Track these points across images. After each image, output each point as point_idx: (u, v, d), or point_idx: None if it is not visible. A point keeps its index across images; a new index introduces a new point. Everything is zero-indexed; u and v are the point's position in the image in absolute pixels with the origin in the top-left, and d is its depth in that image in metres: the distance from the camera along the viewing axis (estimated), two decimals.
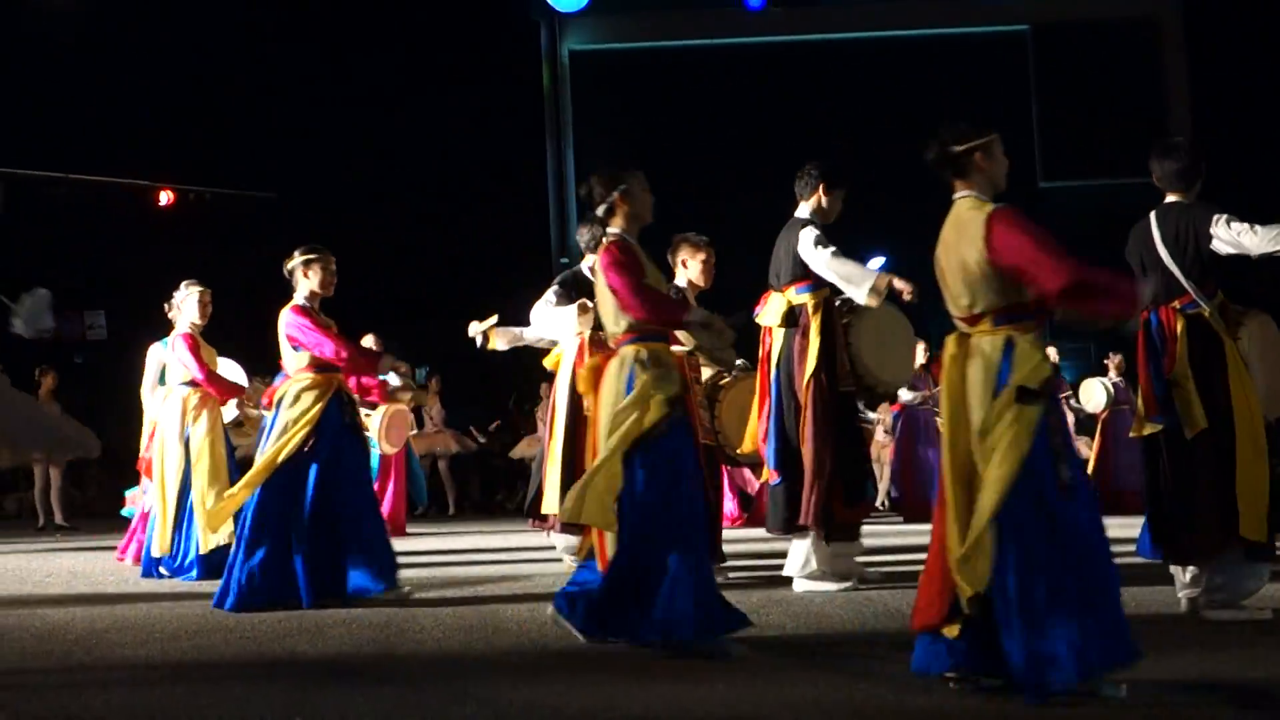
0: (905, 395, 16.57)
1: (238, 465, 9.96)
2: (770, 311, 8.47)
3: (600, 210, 6.89)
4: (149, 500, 10.37)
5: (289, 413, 8.52)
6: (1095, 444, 18.91)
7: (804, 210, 8.80)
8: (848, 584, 8.31)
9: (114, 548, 13.12)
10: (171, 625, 7.44)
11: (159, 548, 9.79)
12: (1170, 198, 7.55)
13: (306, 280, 9.08)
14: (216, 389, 9.51)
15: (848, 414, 8.51)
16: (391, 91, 42.99)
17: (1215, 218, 7.22)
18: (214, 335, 10.03)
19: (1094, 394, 17.99)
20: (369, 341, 13.77)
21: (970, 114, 6.07)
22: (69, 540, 15.33)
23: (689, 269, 9.35)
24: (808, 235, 8.39)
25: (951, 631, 5.06)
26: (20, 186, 26.31)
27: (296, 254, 9.17)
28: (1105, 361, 18.66)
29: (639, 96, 42.85)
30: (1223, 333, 7.11)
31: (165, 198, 27.70)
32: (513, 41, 44.01)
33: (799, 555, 8.43)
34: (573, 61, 44.05)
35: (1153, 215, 7.40)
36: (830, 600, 7.94)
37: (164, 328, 10.53)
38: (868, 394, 9.35)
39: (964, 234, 5.57)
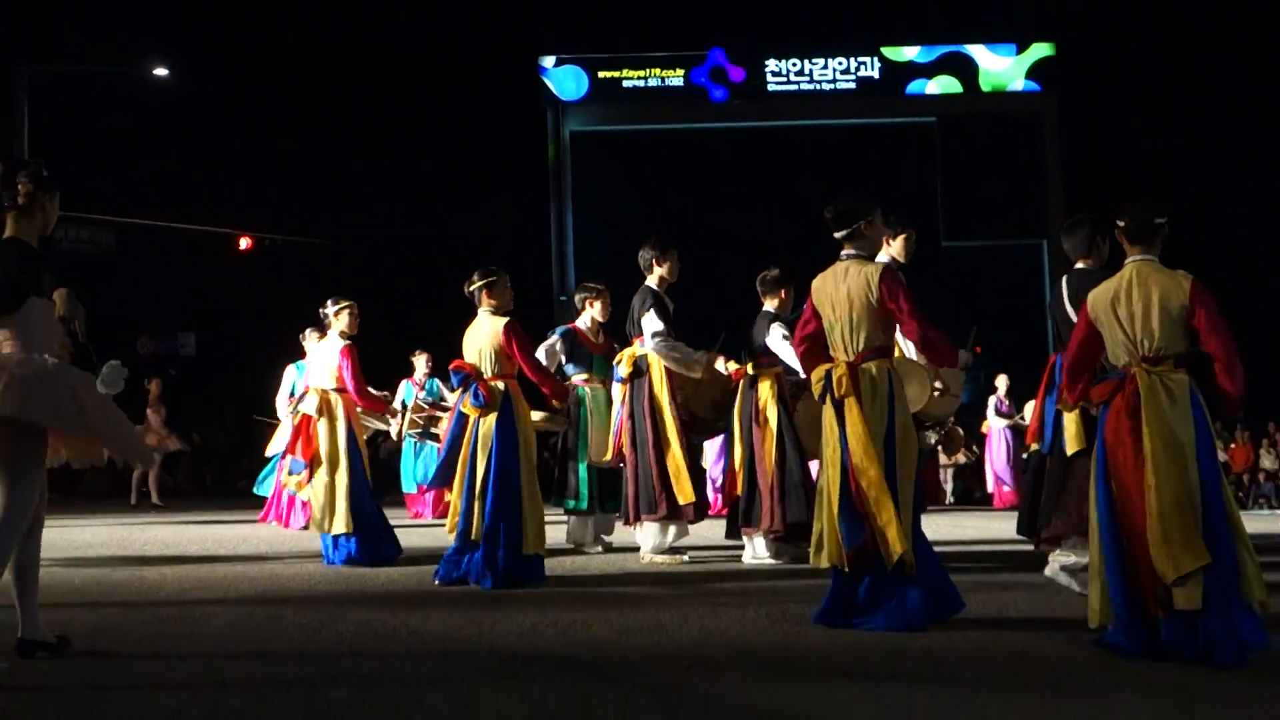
0: None
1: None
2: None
3: None
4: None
5: None
6: (984, 450, 19.05)
7: (770, 306, 8.79)
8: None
9: (200, 522, 13.14)
10: (243, 585, 7.42)
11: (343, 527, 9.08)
12: (1078, 264, 7.58)
13: (338, 322, 9.13)
14: (364, 401, 9.14)
15: None
16: (428, 162, 42.96)
17: None
18: (280, 353, 9.85)
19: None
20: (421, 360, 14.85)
21: (887, 188, 6.17)
22: (161, 516, 15.27)
23: (594, 308, 9.53)
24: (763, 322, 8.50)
25: None
26: (130, 231, 26.36)
27: (330, 303, 9.20)
28: (995, 382, 18.73)
29: (626, 168, 42.92)
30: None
31: (245, 243, 27.73)
32: (525, 123, 44.11)
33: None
34: (573, 140, 44.12)
35: (1064, 278, 7.39)
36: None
37: (245, 347, 10.43)
38: None
39: (851, 281, 5.80)
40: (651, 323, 8.56)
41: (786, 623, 5.83)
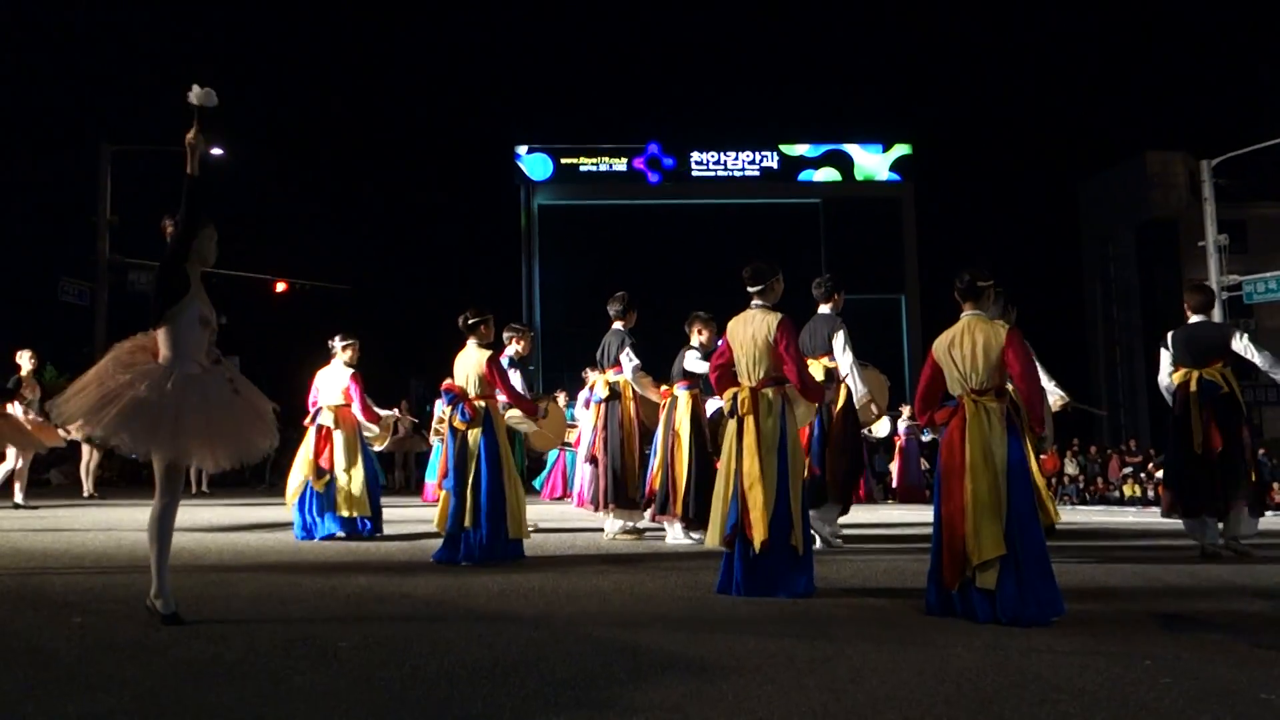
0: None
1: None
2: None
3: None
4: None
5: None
6: (895, 458, 19.17)
7: (694, 340, 8.81)
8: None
9: (237, 504, 12.95)
10: (268, 556, 7.33)
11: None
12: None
13: (344, 354, 9.24)
14: (367, 416, 9.18)
15: None
16: (426, 225, 42.79)
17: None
18: (308, 375, 9.68)
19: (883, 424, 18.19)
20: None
21: (782, 253, 6.26)
22: (206, 500, 15.07)
23: (518, 345, 9.39)
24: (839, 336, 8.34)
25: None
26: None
27: (339, 337, 9.27)
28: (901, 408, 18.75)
29: (583, 235, 43.04)
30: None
31: (280, 286, 27.40)
32: (503, 198, 44.15)
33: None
34: (540, 212, 44.16)
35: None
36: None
37: (279, 370, 10.28)
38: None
39: (756, 325, 5.90)
40: (630, 358, 8.79)
41: (696, 590, 5.82)
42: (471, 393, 7.38)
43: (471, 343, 7.53)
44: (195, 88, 4.67)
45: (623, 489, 8.84)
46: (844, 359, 8.21)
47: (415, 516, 11.40)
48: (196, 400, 4.53)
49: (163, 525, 4.63)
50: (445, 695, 3.38)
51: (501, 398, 7.50)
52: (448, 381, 7.56)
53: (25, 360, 11.96)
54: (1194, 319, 8.22)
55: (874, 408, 8.33)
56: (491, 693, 3.41)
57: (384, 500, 9.49)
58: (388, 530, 9.29)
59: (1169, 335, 8.25)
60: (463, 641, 4.24)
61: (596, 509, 9.14)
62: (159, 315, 4.64)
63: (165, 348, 4.63)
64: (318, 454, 9.09)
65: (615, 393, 9.02)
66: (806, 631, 4.56)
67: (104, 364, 4.61)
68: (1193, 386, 7.94)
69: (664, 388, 8.89)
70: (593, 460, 9.18)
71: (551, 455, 16.41)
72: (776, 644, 4.24)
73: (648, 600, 5.50)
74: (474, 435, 7.29)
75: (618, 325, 9.04)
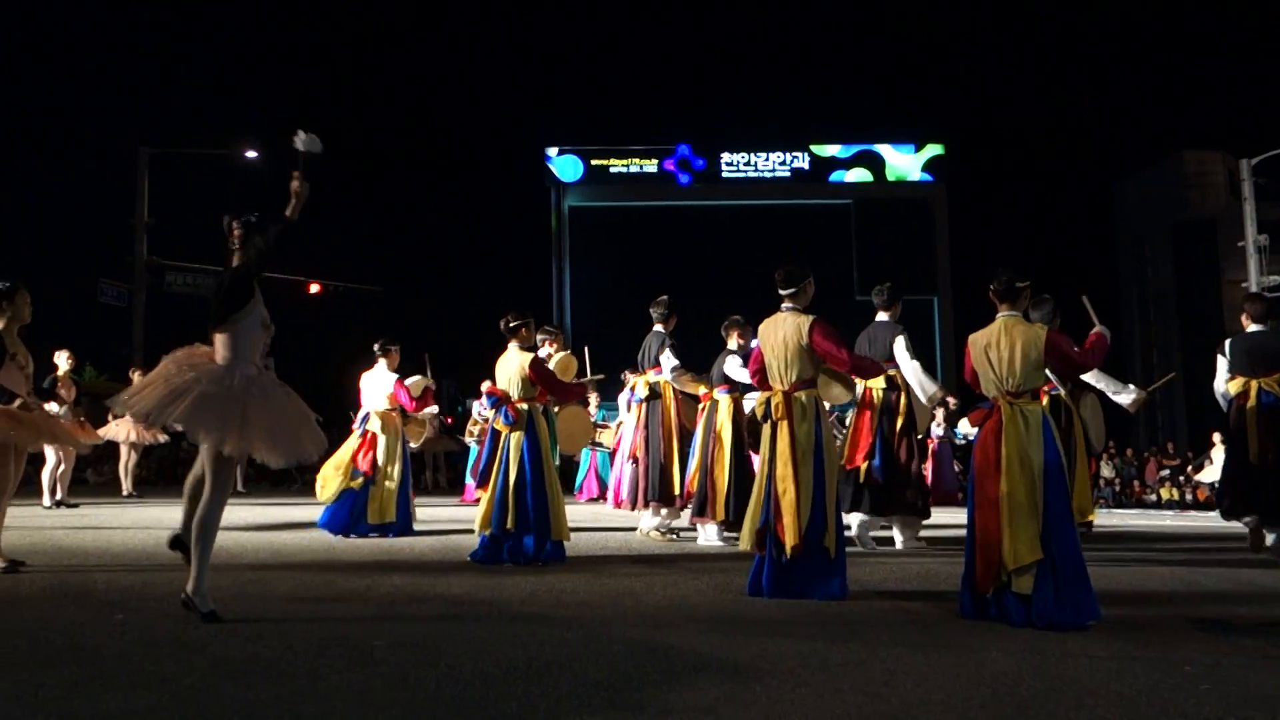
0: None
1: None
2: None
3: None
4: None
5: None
6: (928, 461, 18.89)
7: (731, 344, 8.75)
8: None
9: (273, 504, 13.04)
10: (304, 555, 7.39)
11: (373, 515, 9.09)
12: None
13: (387, 359, 9.48)
14: (417, 407, 9.49)
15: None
16: (460, 227, 42.99)
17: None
18: (341, 374, 9.86)
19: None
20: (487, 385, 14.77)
21: (813, 254, 6.27)
22: (242, 499, 15.19)
23: (547, 347, 9.39)
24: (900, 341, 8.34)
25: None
26: None
27: (379, 343, 9.55)
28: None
29: (613, 237, 43.09)
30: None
31: (314, 288, 27.59)
32: (534, 200, 44.31)
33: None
34: (571, 214, 44.25)
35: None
36: None
37: (313, 371, 10.43)
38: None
39: (787, 328, 5.85)
40: (669, 360, 8.79)
41: (729, 592, 5.82)
42: (514, 395, 7.43)
43: (513, 346, 7.57)
44: (300, 133, 4.81)
45: (664, 486, 8.88)
46: (907, 364, 8.22)
47: (448, 516, 11.45)
48: (259, 397, 4.71)
49: (209, 523, 4.71)
50: (480, 695, 3.40)
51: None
52: (490, 384, 7.63)
53: (63, 360, 12.10)
54: (1252, 328, 8.19)
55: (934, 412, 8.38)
56: (525, 693, 3.42)
57: (417, 500, 9.59)
58: (420, 530, 9.38)
59: (1226, 343, 8.29)
60: (496, 641, 4.26)
61: (634, 508, 9.15)
62: (222, 319, 4.78)
63: (226, 350, 4.78)
64: (357, 456, 9.28)
65: (655, 393, 9.07)
66: (840, 634, 4.55)
67: (165, 365, 4.76)
68: (1251, 399, 7.93)
69: (703, 390, 8.90)
70: (634, 460, 9.23)
71: (585, 456, 16.48)
72: (810, 646, 4.24)
73: (680, 601, 5.50)
74: (516, 438, 7.34)
75: (659, 327, 9.05)
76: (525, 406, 7.41)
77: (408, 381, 9.58)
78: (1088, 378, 8.06)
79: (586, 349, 10.20)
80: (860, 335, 8.58)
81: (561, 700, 3.35)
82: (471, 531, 7.52)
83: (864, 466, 8.24)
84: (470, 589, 5.88)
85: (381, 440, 9.31)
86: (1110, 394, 8.12)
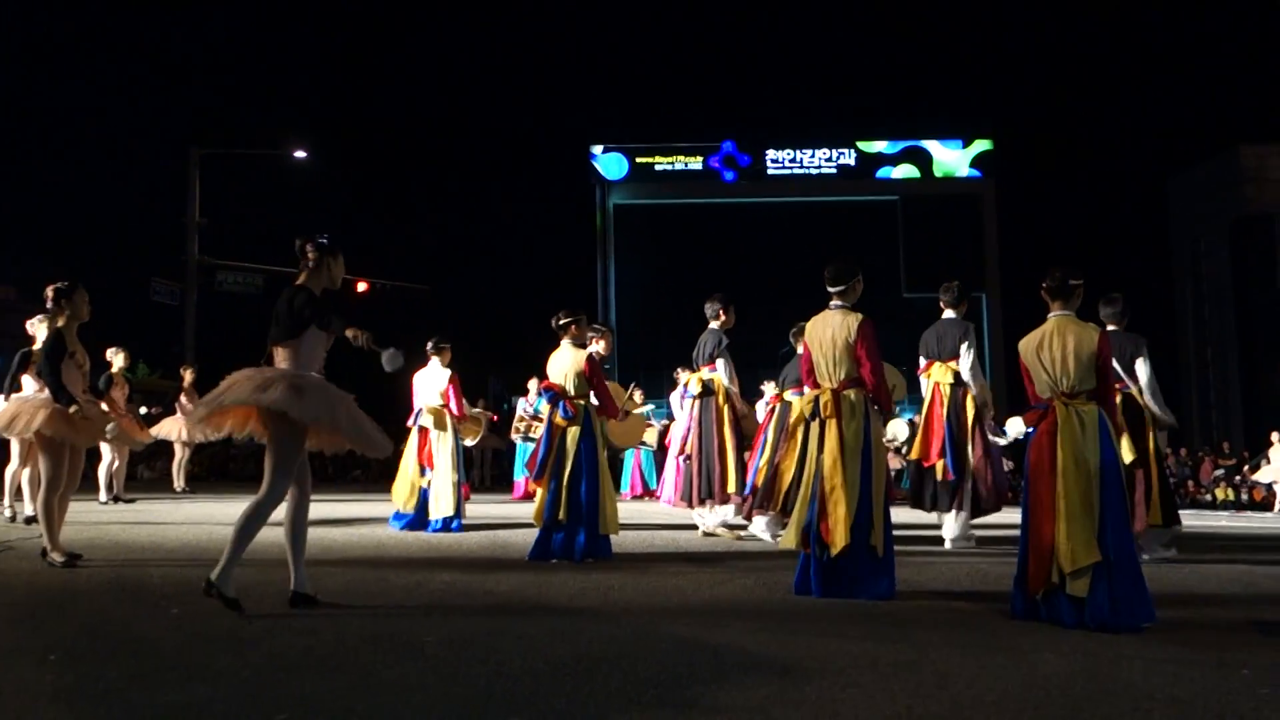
0: None
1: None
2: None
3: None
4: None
5: None
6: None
7: (953, 314, 8.66)
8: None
9: (322, 500, 13.18)
10: (355, 551, 7.47)
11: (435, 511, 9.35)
12: (1110, 327, 7.81)
13: (440, 357, 9.67)
14: (463, 415, 9.72)
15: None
16: (505, 225, 43.19)
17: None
18: (389, 378, 9.95)
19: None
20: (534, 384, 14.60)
21: (860, 250, 6.20)
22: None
23: (598, 345, 8.96)
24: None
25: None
26: (275, 277, 26.60)
27: (432, 341, 9.73)
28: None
29: (657, 234, 43.07)
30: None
31: (361, 286, 27.84)
32: (579, 198, 44.40)
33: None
34: (615, 211, 44.29)
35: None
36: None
37: (359, 368, 10.51)
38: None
39: (835, 326, 5.80)
40: (724, 370, 8.86)
41: (776, 590, 5.81)
42: (571, 391, 7.50)
43: (566, 343, 7.66)
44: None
45: (719, 485, 8.85)
46: (965, 361, 8.27)
47: (496, 513, 11.53)
48: (337, 392, 4.99)
49: (255, 516, 4.87)
50: (530, 691, 3.42)
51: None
52: (547, 381, 7.70)
53: (117, 358, 12.30)
54: None
55: (988, 410, 8.35)
56: (575, 689, 3.44)
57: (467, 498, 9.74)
58: (469, 526, 9.47)
59: None
60: (545, 638, 4.29)
61: (690, 505, 9.12)
62: (291, 332, 4.98)
63: (290, 362, 4.98)
64: (420, 455, 9.57)
65: (709, 390, 9.02)
66: (889, 634, 4.53)
67: (241, 372, 4.93)
68: None
69: (772, 392, 8.95)
70: (686, 457, 9.20)
71: (629, 453, 16.52)
72: (859, 646, 4.22)
73: (727, 599, 5.50)
74: (573, 433, 7.41)
75: (714, 325, 9.04)
76: (582, 402, 7.49)
77: (475, 412, 9.91)
78: (1144, 386, 7.95)
79: (635, 386, 10.25)
80: (927, 332, 8.64)
81: (611, 697, 3.37)
82: (519, 527, 7.57)
83: (939, 465, 8.30)
84: (518, 585, 5.91)
85: (434, 435, 9.52)
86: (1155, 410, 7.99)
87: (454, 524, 9.30)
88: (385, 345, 5.07)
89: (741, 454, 8.97)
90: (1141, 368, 7.86)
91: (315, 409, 4.80)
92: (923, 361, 8.66)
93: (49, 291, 6.75)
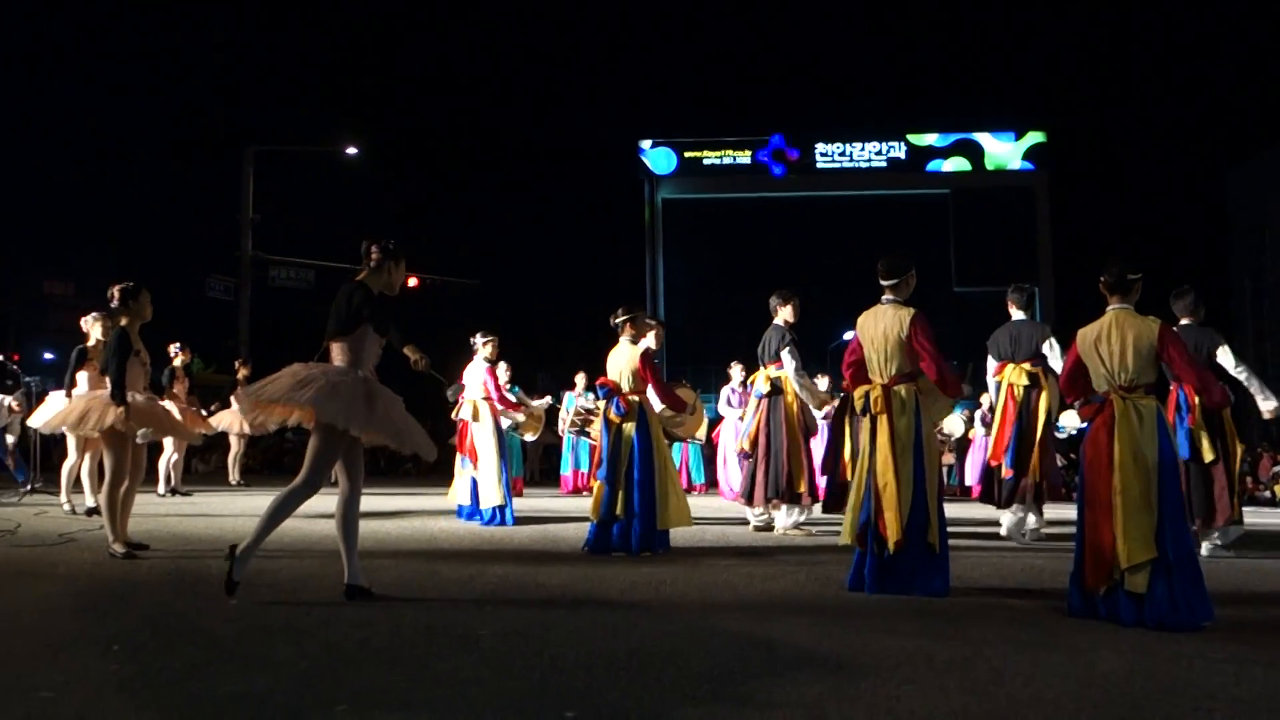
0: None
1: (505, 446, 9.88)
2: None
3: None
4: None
5: None
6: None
7: (1022, 314, 8.64)
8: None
9: (375, 494, 13.31)
10: (407, 544, 7.53)
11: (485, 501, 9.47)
12: (1183, 320, 7.81)
13: (484, 350, 9.73)
14: (505, 404, 9.80)
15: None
16: (554, 220, 43.30)
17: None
18: (439, 366, 10.08)
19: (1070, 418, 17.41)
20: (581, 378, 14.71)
21: (910, 245, 6.15)
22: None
23: (651, 338, 8.84)
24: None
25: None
26: (326, 273, 26.91)
27: (480, 335, 9.80)
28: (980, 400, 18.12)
29: (706, 228, 43.01)
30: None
31: (412, 281, 28.07)
32: (627, 192, 44.42)
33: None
34: (664, 206, 44.27)
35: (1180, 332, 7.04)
36: None
37: (408, 364, 10.66)
38: None
39: (888, 320, 5.76)
40: (790, 359, 8.72)
41: (829, 586, 5.79)
42: (625, 387, 7.55)
43: (624, 339, 7.71)
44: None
45: (789, 484, 8.76)
46: (1053, 356, 8.25)
47: (546, 508, 11.58)
48: (379, 392, 5.03)
49: (281, 509, 5.04)
50: (584, 685, 3.44)
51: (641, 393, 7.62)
52: (603, 377, 7.75)
53: (178, 354, 12.51)
54: None
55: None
56: (629, 684, 3.45)
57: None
58: (520, 519, 9.53)
59: None
60: (598, 632, 4.31)
61: (750, 503, 9.08)
62: (347, 328, 5.07)
63: (344, 357, 5.08)
64: (460, 445, 9.74)
65: (777, 388, 8.92)
66: (944, 631, 4.50)
67: (290, 367, 5.03)
68: None
69: (823, 401, 8.91)
70: (746, 454, 9.15)
71: (675, 447, 16.51)
72: (914, 643, 4.19)
73: (780, 595, 5.49)
74: (628, 429, 7.47)
75: (778, 320, 8.98)
76: (636, 399, 7.53)
77: (534, 405, 9.98)
78: (1239, 376, 7.84)
79: (683, 380, 10.26)
80: (999, 332, 8.63)
81: (665, 692, 3.37)
82: (569, 520, 7.61)
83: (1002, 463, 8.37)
84: (570, 579, 5.94)
85: (474, 427, 9.62)
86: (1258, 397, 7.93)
87: (504, 515, 9.38)
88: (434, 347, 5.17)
89: (810, 454, 8.89)
90: (1225, 357, 7.72)
91: (344, 412, 4.85)
92: (993, 363, 8.64)
93: (115, 291, 6.90)
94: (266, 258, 26.84)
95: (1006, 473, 8.27)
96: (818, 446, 9.76)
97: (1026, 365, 8.32)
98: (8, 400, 11.67)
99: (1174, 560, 4.73)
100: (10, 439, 11.91)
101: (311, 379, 4.90)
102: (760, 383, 9.10)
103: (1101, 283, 5.25)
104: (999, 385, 8.52)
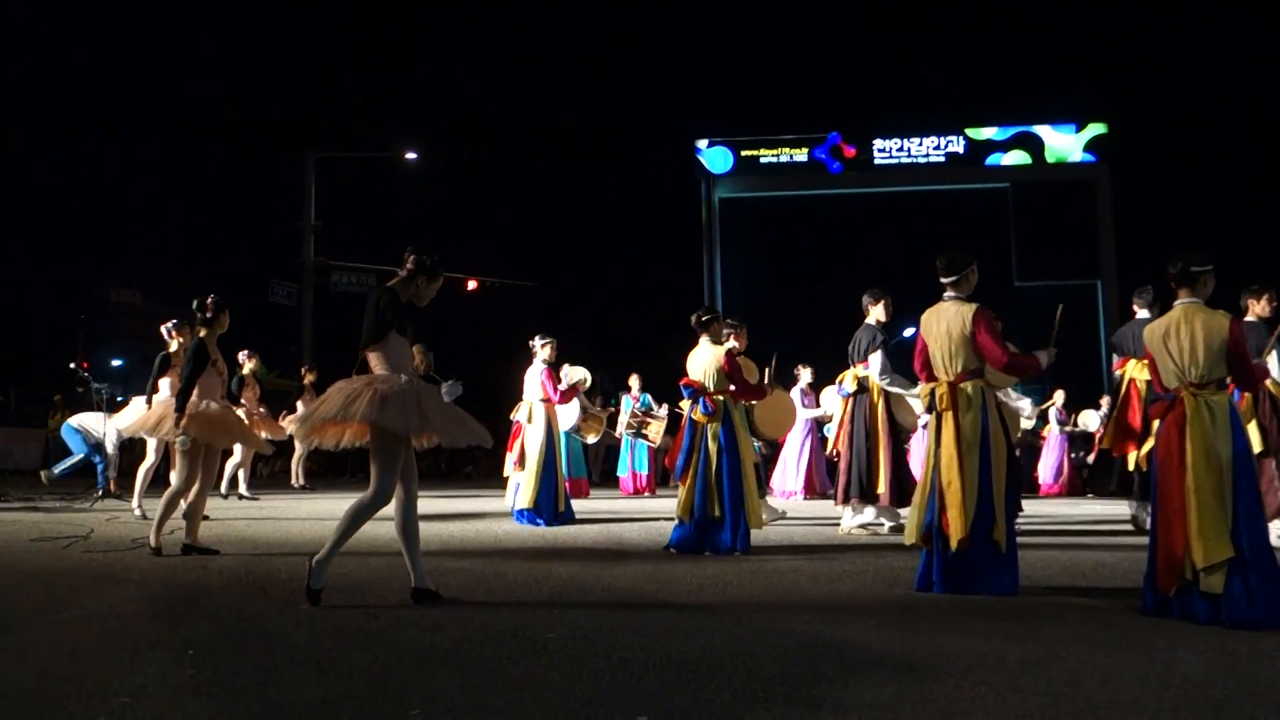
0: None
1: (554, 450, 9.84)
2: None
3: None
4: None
5: None
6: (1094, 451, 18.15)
7: (1146, 313, 9.00)
8: None
9: (438, 496, 13.41)
10: (472, 545, 7.57)
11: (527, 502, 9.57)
12: (1248, 317, 8.01)
13: (542, 352, 9.81)
14: (565, 399, 9.87)
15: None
16: (612, 221, 43.46)
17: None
18: (498, 368, 10.18)
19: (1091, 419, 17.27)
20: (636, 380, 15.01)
21: (970, 240, 6.10)
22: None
23: (733, 340, 8.83)
24: None
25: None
26: (387, 277, 27.10)
27: (538, 337, 9.87)
28: (1054, 396, 17.88)
29: (763, 227, 42.88)
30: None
31: (471, 284, 28.23)
32: (684, 192, 44.47)
33: None
34: (721, 205, 44.16)
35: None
36: None
37: (468, 364, 10.79)
38: None
39: (950, 317, 5.69)
40: (878, 361, 8.69)
41: (896, 586, 5.74)
42: (710, 387, 7.56)
43: (704, 340, 7.75)
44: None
45: (868, 484, 8.71)
46: None
47: (609, 509, 11.59)
48: (425, 388, 5.13)
49: (359, 514, 5.05)
50: (654, 689, 3.43)
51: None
52: (686, 378, 7.79)
53: (249, 362, 12.70)
54: None
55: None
56: (699, 687, 3.44)
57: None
58: (582, 520, 9.58)
59: None
60: (666, 635, 4.29)
61: (837, 502, 9.03)
62: (376, 335, 5.14)
63: (382, 365, 5.14)
64: (509, 446, 9.88)
65: (863, 388, 8.90)
66: (1015, 631, 4.43)
67: (335, 385, 5.13)
68: None
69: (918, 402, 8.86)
70: (836, 455, 9.20)
71: None
72: (985, 644, 4.13)
73: (847, 595, 5.45)
74: (714, 428, 7.51)
75: (870, 319, 8.92)
76: (722, 398, 7.56)
77: (566, 371, 9.98)
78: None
79: (775, 357, 9.89)
80: (1124, 329, 9.16)
81: (737, 694, 3.35)
82: (633, 521, 7.62)
83: (1132, 455, 8.56)
84: (636, 580, 5.94)
85: (526, 429, 9.69)
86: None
87: (527, 516, 9.44)
88: (490, 343, 5.22)
89: (894, 455, 8.79)
90: (1273, 363, 7.69)
91: (400, 418, 4.93)
92: (1116, 358, 9.22)
93: (208, 303, 7.33)
94: (328, 263, 27.14)
95: (1143, 464, 8.29)
96: (917, 445, 9.75)
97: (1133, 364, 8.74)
98: (109, 422, 11.48)
99: (1251, 557, 4.62)
100: (110, 448, 11.71)
101: (358, 393, 4.97)
102: (848, 381, 9.07)
103: (1169, 277, 5.14)
104: (1121, 378, 9.04)
